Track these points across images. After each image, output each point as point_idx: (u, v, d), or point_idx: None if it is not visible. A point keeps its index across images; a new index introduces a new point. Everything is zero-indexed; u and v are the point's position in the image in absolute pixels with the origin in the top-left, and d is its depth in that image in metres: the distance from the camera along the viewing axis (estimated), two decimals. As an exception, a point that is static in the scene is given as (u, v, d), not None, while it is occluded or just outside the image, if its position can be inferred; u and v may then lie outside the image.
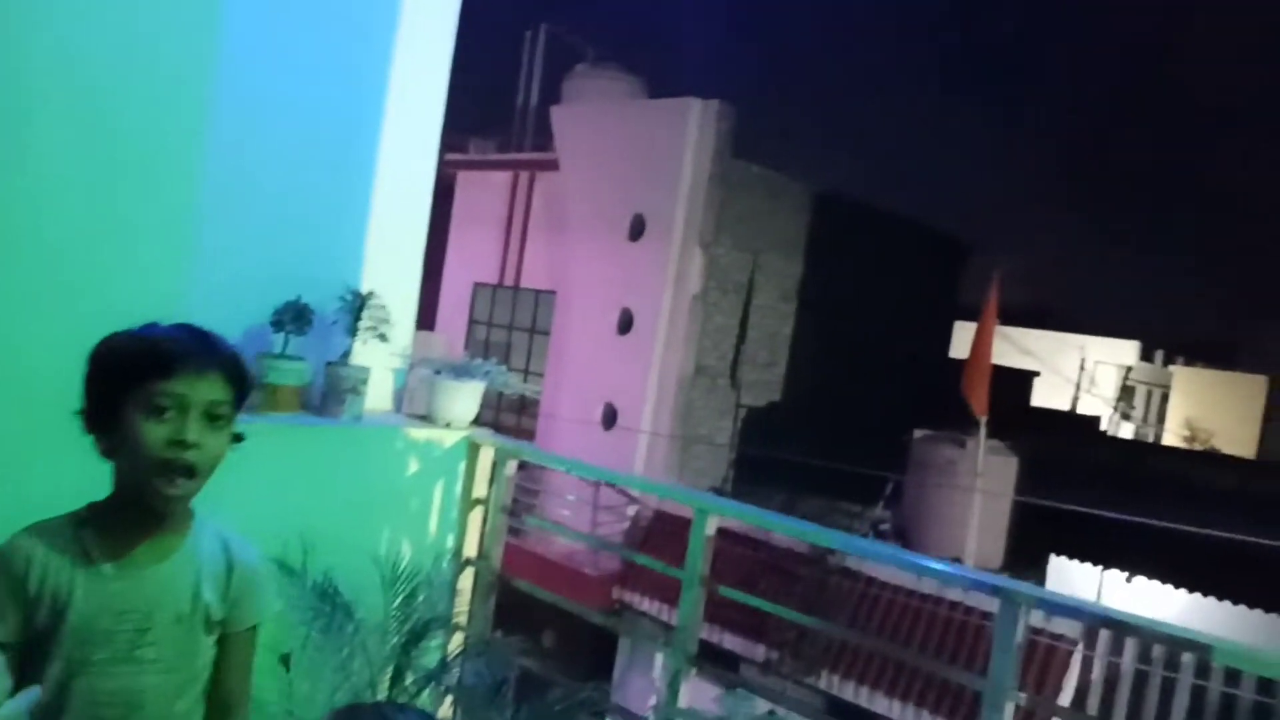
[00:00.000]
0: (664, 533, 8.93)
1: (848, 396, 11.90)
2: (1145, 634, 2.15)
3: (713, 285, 11.09)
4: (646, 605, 9.10)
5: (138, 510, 1.33)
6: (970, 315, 10.32)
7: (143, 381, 1.26)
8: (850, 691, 7.61)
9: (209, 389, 1.30)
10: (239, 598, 1.44)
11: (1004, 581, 2.25)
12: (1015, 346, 19.13)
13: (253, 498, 2.64)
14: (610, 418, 11.06)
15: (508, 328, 13.31)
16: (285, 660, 2.45)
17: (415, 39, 3.43)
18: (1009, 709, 2.16)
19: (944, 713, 6.80)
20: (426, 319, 13.15)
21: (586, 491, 9.80)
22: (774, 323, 11.80)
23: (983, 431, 9.29)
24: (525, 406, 12.32)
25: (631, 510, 10.00)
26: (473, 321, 13.76)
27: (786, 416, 11.57)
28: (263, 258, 2.97)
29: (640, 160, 10.91)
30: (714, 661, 8.90)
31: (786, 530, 2.66)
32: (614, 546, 9.37)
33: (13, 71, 2.09)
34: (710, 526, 2.75)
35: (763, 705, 2.38)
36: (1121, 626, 2.25)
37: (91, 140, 2.26)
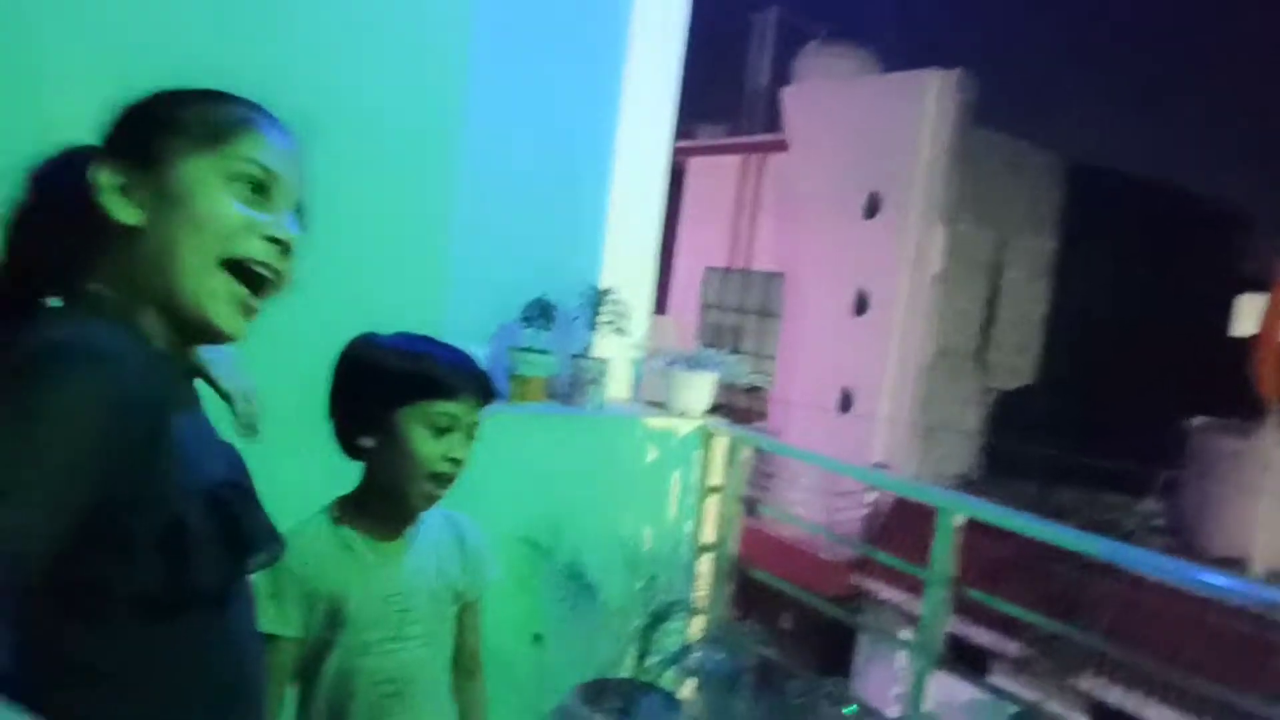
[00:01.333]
0: (906, 521, 8.64)
1: (1111, 381, 10.99)
2: None
3: (955, 264, 10.57)
4: (887, 593, 8.86)
5: (396, 506, 1.46)
6: (1257, 287, 9.18)
7: (427, 400, 1.39)
8: (1117, 696, 7.05)
9: (478, 411, 1.44)
10: (473, 569, 1.57)
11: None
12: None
13: (507, 481, 2.83)
14: (846, 403, 10.83)
15: (738, 311, 13.34)
16: (538, 638, 2.60)
17: (648, 34, 3.51)
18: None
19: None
20: (659, 303, 13.45)
21: (823, 476, 9.66)
22: (1025, 303, 11.08)
23: (1274, 419, 8.29)
24: (758, 390, 12.32)
25: (871, 496, 9.76)
26: (704, 305, 13.90)
27: (1040, 402, 10.85)
28: (511, 259, 3.15)
29: (875, 137, 10.57)
30: (961, 658, 8.52)
31: (1037, 533, 2.50)
32: (850, 542, 9.18)
33: (274, 83, 2.29)
34: (956, 522, 2.63)
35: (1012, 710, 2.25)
36: None
37: (354, 151, 2.41)
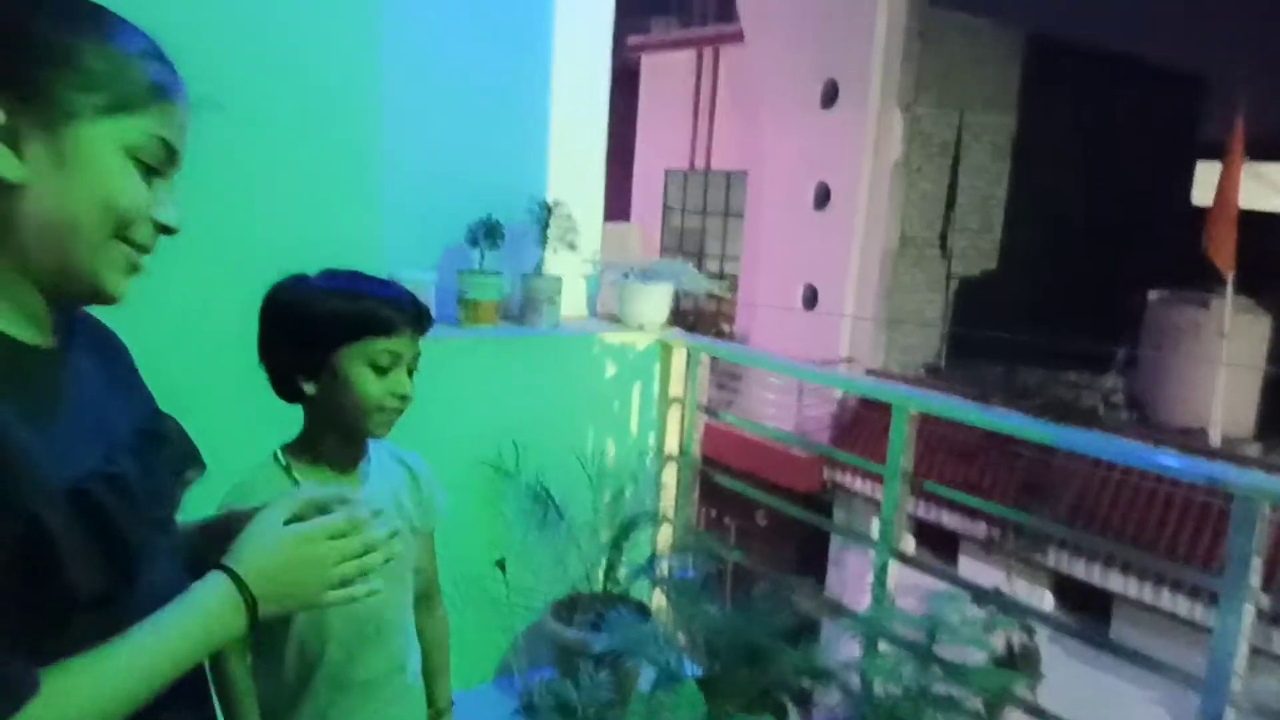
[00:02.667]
0: (871, 414, 8.77)
1: (1072, 258, 11.05)
2: None
3: (915, 149, 10.46)
4: (859, 485, 9.06)
5: (345, 445, 1.44)
6: (1214, 154, 9.17)
7: (367, 339, 1.36)
8: (1081, 569, 7.31)
9: (415, 344, 1.41)
10: (425, 502, 1.58)
11: (1237, 475, 2.03)
12: (1270, 186, 17.05)
13: (464, 407, 2.81)
14: (811, 299, 10.85)
15: (701, 213, 13.22)
16: (501, 564, 2.62)
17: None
18: (1248, 610, 1.99)
19: (1185, 592, 6.41)
20: (621, 208, 13.27)
21: (790, 382, 9.75)
22: (986, 184, 11.04)
23: (1230, 288, 8.40)
24: (725, 283, 12.29)
25: (836, 395, 9.87)
26: (666, 208, 13.75)
27: (1004, 285, 10.92)
28: (451, 179, 3.05)
29: (829, 21, 10.31)
30: (932, 542, 8.73)
31: (991, 424, 2.53)
32: (807, 443, 9.31)
33: (182, 15, 2.16)
34: (912, 415, 2.65)
35: (975, 609, 2.30)
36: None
37: (268, 76, 2.31)
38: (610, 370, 3.21)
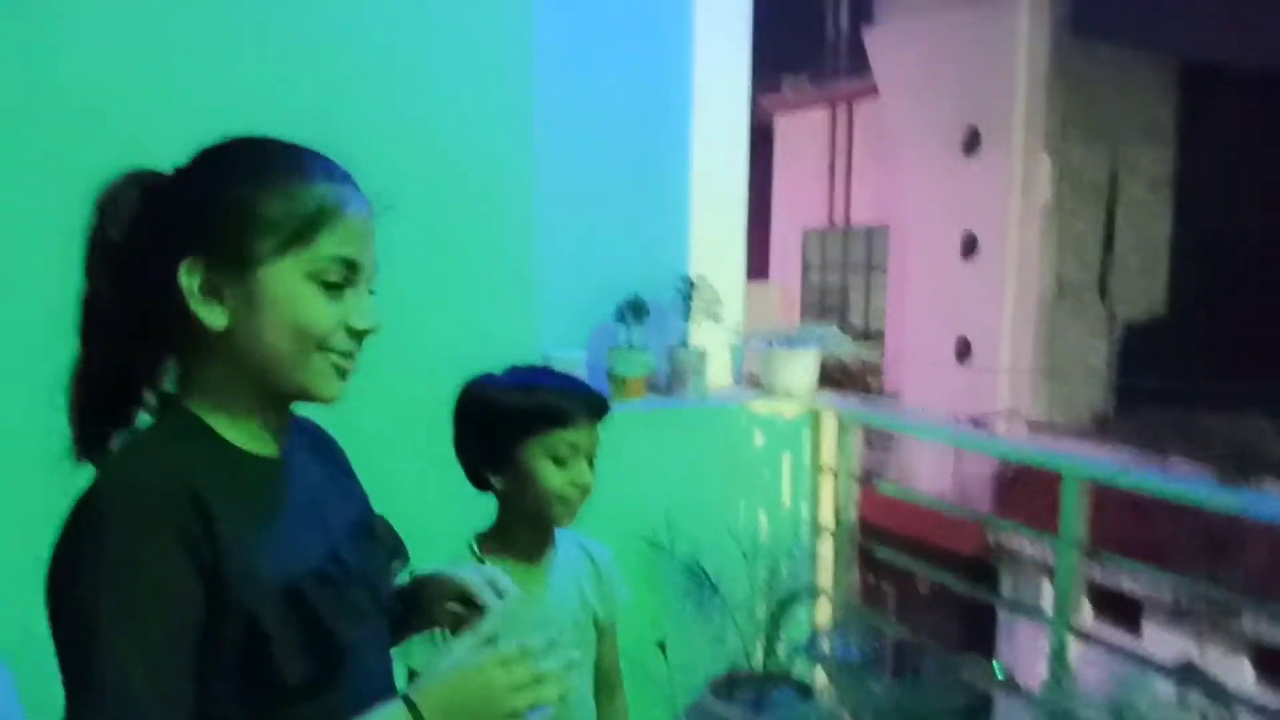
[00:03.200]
0: (1038, 474, 8.31)
1: (1248, 295, 10.28)
2: None
3: (1066, 190, 10.04)
4: (1029, 549, 8.57)
5: (531, 536, 1.51)
6: None
7: (546, 431, 1.42)
8: (1283, 634, 6.65)
9: (594, 433, 1.47)
10: (609, 592, 1.60)
11: None
12: None
13: (616, 483, 2.83)
14: (963, 351, 10.48)
15: (842, 269, 13.05)
16: (662, 647, 2.60)
17: (714, 4, 3.41)
18: None
19: None
20: (759, 268, 13.26)
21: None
22: (1146, 222, 10.45)
23: None
24: (871, 341, 12.03)
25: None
26: (806, 266, 13.65)
27: (1173, 327, 10.25)
28: (598, 259, 3.14)
29: (967, 67, 10.11)
30: (1112, 608, 8.13)
31: (1163, 491, 2.35)
32: (966, 511, 8.90)
33: (337, 107, 2.29)
34: (1082, 486, 2.50)
35: (1164, 685, 2.13)
36: None
37: (426, 170, 2.41)
38: (759, 440, 3.19)
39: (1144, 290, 10.51)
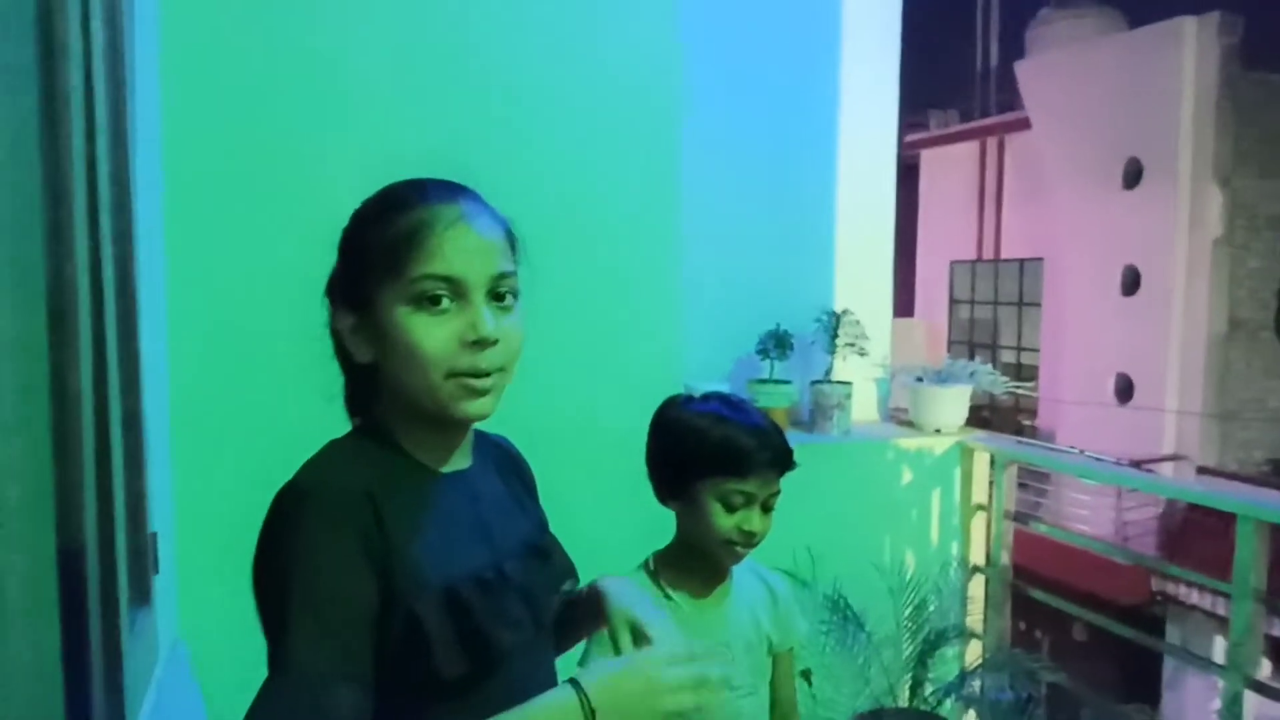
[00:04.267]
0: (1209, 518, 7.78)
1: None
2: None
3: (1238, 224, 9.44)
4: (1194, 598, 8.00)
5: (703, 563, 1.53)
6: None
7: (723, 478, 1.44)
8: None
9: (772, 485, 1.47)
10: (784, 620, 1.60)
11: None
12: None
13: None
14: (1125, 391, 9.94)
15: (992, 304, 12.62)
16: (807, 675, 2.59)
17: (861, 28, 3.42)
18: None
19: None
20: (905, 303, 12.99)
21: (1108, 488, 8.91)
22: (1327, 256, 9.70)
23: None
24: (1024, 378, 11.56)
25: (1160, 500, 8.87)
26: (953, 301, 13.28)
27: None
28: (741, 290, 3.20)
29: (1127, 98, 9.69)
30: (1289, 666, 7.42)
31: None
32: (1128, 553, 8.40)
33: (492, 143, 2.42)
34: (1259, 530, 2.36)
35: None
36: None
37: (575, 203, 2.52)
38: (907, 477, 3.15)
39: (1331, 327, 9.72)
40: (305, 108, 2.25)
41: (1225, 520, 2.52)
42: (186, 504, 2.08)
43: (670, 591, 1.50)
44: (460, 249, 0.90)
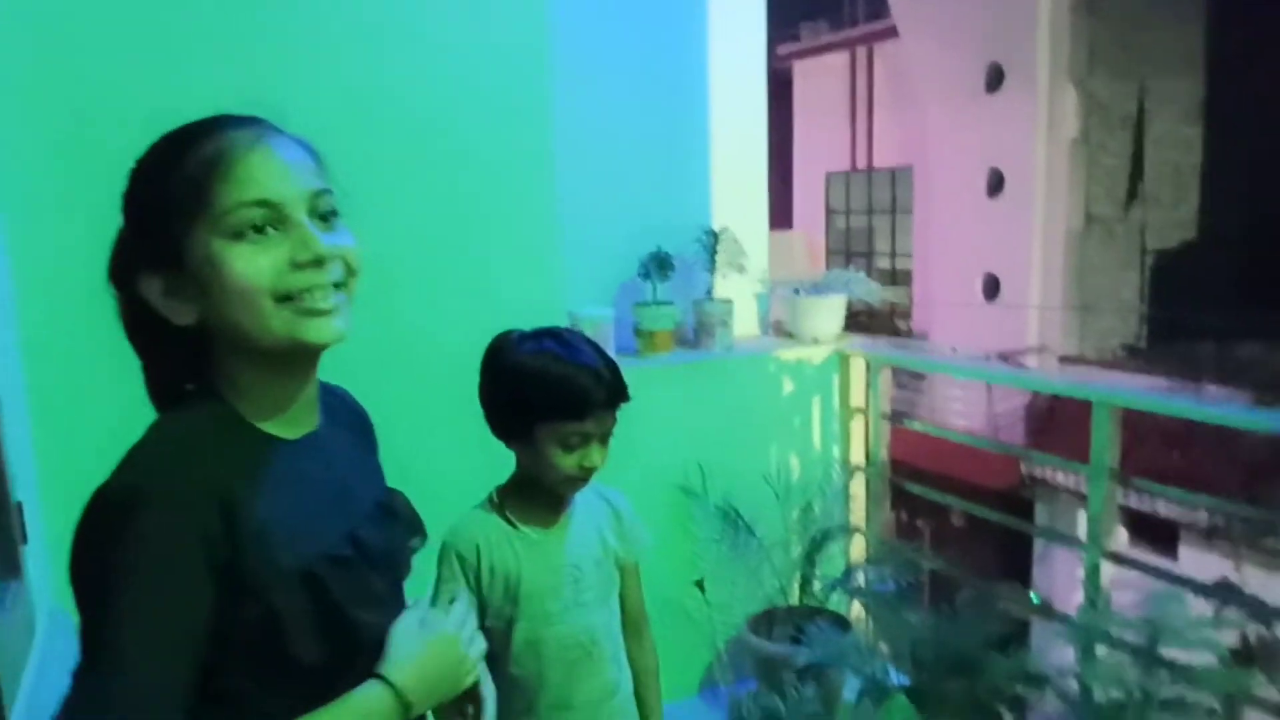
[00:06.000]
0: (1071, 403, 8.30)
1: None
2: None
3: (1094, 123, 9.87)
4: (1062, 479, 8.59)
5: (544, 495, 1.57)
6: None
7: (560, 421, 1.47)
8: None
9: (609, 421, 1.51)
10: (628, 535, 1.67)
11: None
12: None
13: (648, 435, 2.91)
14: (992, 289, 10.42)
15: (867, 213, 12.96)
16: (700, 585, 2.70)
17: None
18: None
19: None
20: (783, 216, 13.20)
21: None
22: (1176, 154, 10.25)
23: None
24: (898, 283, 11.98)
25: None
26: (830, 212, 13.57)
27: (1205, 256, 10.09)
28: (620, 214, 3.18)
29: (989, 3, 9.93)
30: (1148, 533, 8.13)
31: (1197, 415, 2.39)
32: (1010, 448, 8.91)
33: (356, 71, 2.30)
34: (1113, 415, 2.54)
35: (1199, 602, 2.19)
36: None
37: (453, 133, 2.46)
38: (788, 387, 3.25)
39: (1175, 221, 10.36)
40: (149, 63, 2.11)
41: (1084, 407, 2.69)
42: (51, 472, 1.99)
43: (517, 523, 1.55)
44: (270, 170, 0.83)
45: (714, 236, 3.20)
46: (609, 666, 1.61)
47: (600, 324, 2.83)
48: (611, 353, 1.60)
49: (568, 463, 1.49)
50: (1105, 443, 2.55)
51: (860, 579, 2.94)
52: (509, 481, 1.59)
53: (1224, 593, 2.53)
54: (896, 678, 2.55)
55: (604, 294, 3.18)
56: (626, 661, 1.68)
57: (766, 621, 2.92)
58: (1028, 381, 7.45)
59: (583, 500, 1.62)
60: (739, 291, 3.32)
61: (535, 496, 1.56)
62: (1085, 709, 2.14)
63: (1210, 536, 7.32)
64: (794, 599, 2.97)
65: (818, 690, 2.26)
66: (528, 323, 1.57)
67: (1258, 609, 2.61)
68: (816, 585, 2.97)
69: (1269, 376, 7.61)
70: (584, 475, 1.51)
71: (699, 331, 3.24)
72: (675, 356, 3.13)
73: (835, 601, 3.03)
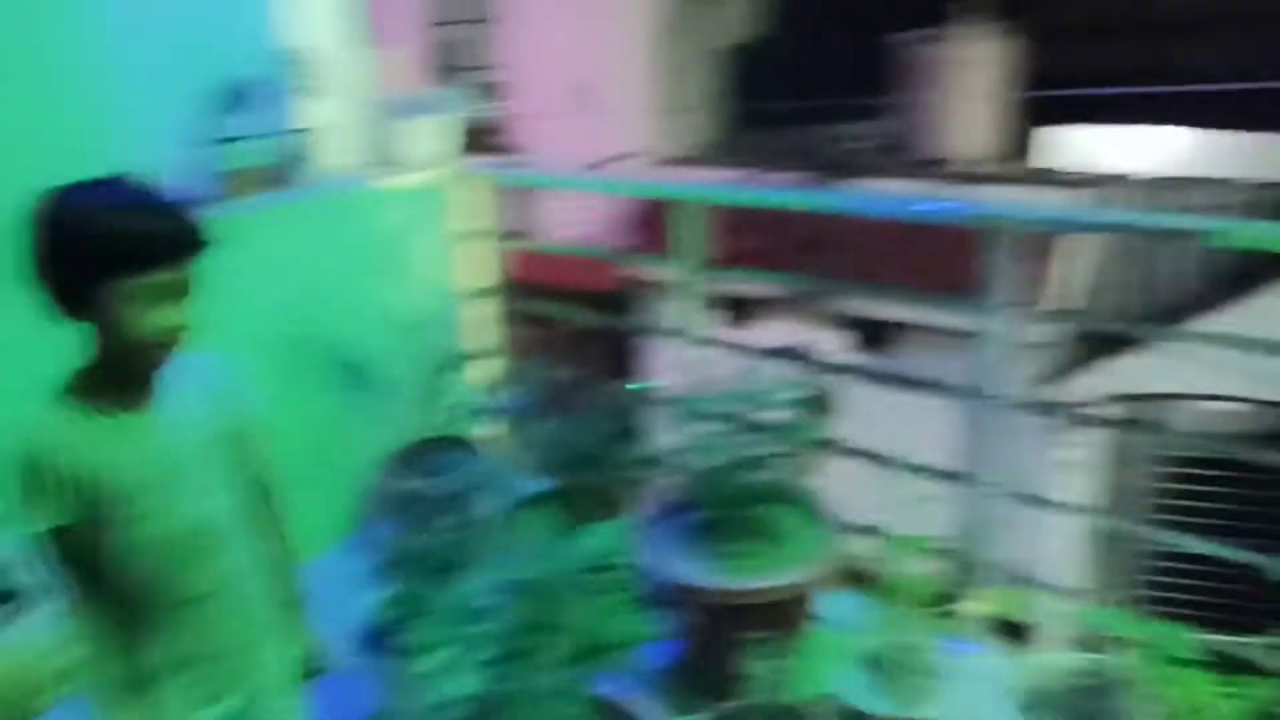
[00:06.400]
0: (666, 203, 8.91)
1: (840, 9, 11.20)
2: (1136, 229, 2.15)
3: (665, -79, 10.14)
4: (657, 272, 9.30)
5: (129, 374, 1.39)
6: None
7: (132, 275, 1.27)
8: (867, 309, 7.96)
9: (188, 269, 1.33)
10: (234, 405, 1.57)
11: (980, 209, 2.31)
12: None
13: (248, 288, 2.70)
14: (584, 97, 10.67)
15: (468, 23, 12.49)
16: (328, 441, 2.62)
17: None
18: (1004, 320, 2.30)
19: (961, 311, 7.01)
20: (379, 33, 12.34)
21: (582, 173, 9.71)
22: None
23: (972, 19, 8.87)
24: (500, 97, 11.86)
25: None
26: (430, 24, 12.90)
27: (776, 48, 11.03)
28: (184, 43, 2.79)
29: None
30: (731, 308, 9.09)
31: (767, 203, 2.70)
32: (593, 249, 9.44)
33: None
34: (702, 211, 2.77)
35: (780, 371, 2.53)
36: (1104, 227, 2.33)
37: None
38: (397, 217, 3.15)
39: (748, 15, 11.15)
40: None
41: (679, 206, 2.89)
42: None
43: (101, 412, 1.37)
44: None
45: (299, 59, 2.93)
46: (237, 549, 1.53)
47: (172, 167, 2.52)
48: (190, 199, 1.40)
49: (149, 324, 1.31)
50: (686, 236, 2.78)
51: (491, 402, 3.05)
52: (85, 366, 1.38)
53: (793, 354, 2.95)
54: (535, 488, 2.73)
55: (173, 134, 2.81)
56: (259, 538, 1.60)
57: (403, 460, 2.94)
58: (621, 187, 7.96)
59: (178, 377, 1.46)
60: (330, 119, 3.10)
61: (119, 379, 1.38)
62: (692, 479, 2.43)
63: (780, 306, 8.40)
64: (429, 433, 3.01)
65: (462, 518, 2.35)
66: (82, 175, 1.33)
67: (816, 364, 3.08)
68: (450, 416, 3.02)
69: (826, 160, 8.71)
70: (169, 339, 1.35)
71: (291, 168, 2.99)
72: (268, 198, 2.89)
73: (471, 429, 3.12)
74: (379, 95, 3.46)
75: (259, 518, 1.62)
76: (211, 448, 1.51)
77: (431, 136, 3.26)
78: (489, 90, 12.22)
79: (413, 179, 3.17)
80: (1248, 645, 1.41)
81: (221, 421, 1.53)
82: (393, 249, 3.15)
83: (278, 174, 3.02)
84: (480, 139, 11.54)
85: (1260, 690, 1.33)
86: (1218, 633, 1.60)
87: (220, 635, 1.49)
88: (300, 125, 2.99)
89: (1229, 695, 1.34)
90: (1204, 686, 1.36)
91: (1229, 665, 1.52)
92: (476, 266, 3.32)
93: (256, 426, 1.60)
